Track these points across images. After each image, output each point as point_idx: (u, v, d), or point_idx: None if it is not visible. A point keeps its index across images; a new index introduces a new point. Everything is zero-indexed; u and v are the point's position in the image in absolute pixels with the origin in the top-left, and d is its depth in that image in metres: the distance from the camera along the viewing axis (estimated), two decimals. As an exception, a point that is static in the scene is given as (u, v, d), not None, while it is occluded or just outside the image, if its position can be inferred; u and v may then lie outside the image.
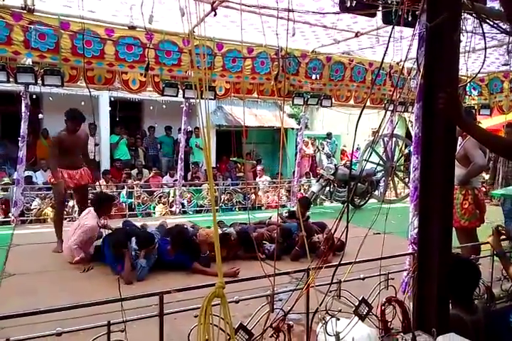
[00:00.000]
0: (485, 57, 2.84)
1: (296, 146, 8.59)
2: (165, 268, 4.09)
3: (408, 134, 8.79)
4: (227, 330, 1.45)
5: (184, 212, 7.69)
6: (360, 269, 2.55)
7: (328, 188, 7.88)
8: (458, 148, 3.90)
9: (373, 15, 3.15)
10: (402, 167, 9.07)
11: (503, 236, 2.89)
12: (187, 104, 6.95)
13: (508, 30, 2.78)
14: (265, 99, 8.00)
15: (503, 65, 6.60)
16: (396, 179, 8.93)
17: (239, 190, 8.60)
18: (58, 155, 4.59)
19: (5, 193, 6.90)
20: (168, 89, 6.01)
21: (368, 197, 8.04)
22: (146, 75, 5.77)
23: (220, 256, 1.36)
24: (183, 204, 7.69)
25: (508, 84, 7.83)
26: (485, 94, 8.30)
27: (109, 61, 5.54)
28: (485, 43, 2.78)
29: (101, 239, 4.35)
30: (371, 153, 7.62)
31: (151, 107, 9.13)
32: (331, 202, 8.36)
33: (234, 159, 10.93)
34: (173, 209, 7.49)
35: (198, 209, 8.06)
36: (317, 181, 8.02)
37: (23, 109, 5.71)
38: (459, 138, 3.92)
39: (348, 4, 2.76)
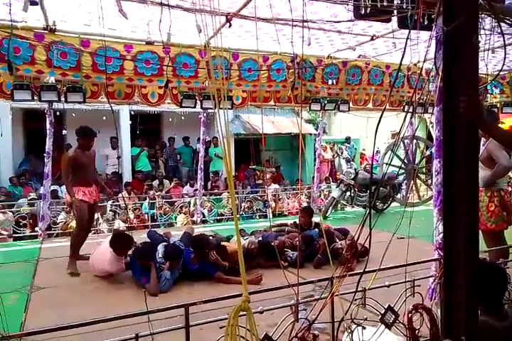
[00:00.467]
0: (505, 55, 2.80)
1: (315, 152, 8.56)
2: (188, 279, 4.13)
3: (429, 135, 8.66)
4: (253, 341, 1.46)
5: (205, 222, 7.74)
6: (385, 275, 2.52)
7: (348, 193, 7.80)
8: (481, 149, 3.83)
9: (388, 20, 3.14)
10: (424, 169, 8.92)
11: None
12: (205, 114, 7.04)
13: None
14: (282, 106, 8.03)
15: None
16: (418, 181, 8.78)
17: (259, 198, 8.61)
18: (74, 174, 4.59)
19: (32, 208, 7.10)
20: (186, 100, 6.11)
21: (390, 201, 7.92)
22: (166, 86, 5.88)
23: (244, 269, 1.37)
24: (203, 213, 7.75)
25: (530, 81, 7.66)
26: (507, 91, 8.12)
27: (129, 76, 5.68)
28: (504, 41, 2.75)
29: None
30: (393, 156, 7.53)
31: (170, 119, 9.28)
32: (352, 207, 8.27)
33: (253, 167, 10.97)
34: (194, 218, 7.55)
35: (218, 218, 8.11)
36: (337, 186, 7.96)
37: (48, 125, 5.89)
38: (482, 138, 3.84)
39: (363, 11, 2.76)
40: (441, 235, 2.67)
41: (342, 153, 12.93)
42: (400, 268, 2.52)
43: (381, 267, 2.36)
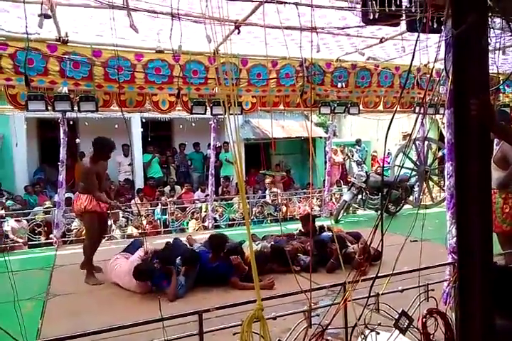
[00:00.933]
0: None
1: (325, 155, 8.53)
2: (204, 284, 4.14)
3: (441, 136, 8.58)
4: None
5: (217, 227, 7.77)
6: (398, 279, 2.50)
7: (360, 196, 7.75)
8: (495, 150, 3.79)
9: (397, 24, 3.13)
10: (436, 170, 8.83)
11: None
12: (215, 120, 7.09)
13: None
14: (292, 111, 8.04)
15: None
16: (431, 183, 8.69)
17: (269, 202, 8.61)
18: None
19: (46, 216, 7.21)
20: (196, 107, 6.16)
21: (402, 204, 7.86)
22: (178, 96, 5.95)
23: (257, 276, 1.38)
24: (215, 218, 7.78)
25: (543, 79, 7.54)
26: (520, 91, 8.02)
27: (140, 84, 5.75)
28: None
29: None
30: (405, 158, 7.48)
31: (181, 126, 9.36)
32: (364, 210, 8.22)
33: (263, 172, 10.98)
34: (205, 224, 7.58)
35: (230, 223, 8.12)
36: (348, 189, 7.92)
37: (62, 135, 6.00)
38: (495, 140, 3.80)
39: (371, 17, 2.76)
40: (454, 239, 2.65)
41: (353, 155, 12.87)
42: (413, 272, 2.51)
43: (394, 271, 2.34)
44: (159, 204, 8.25)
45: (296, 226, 6.24)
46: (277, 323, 2.23)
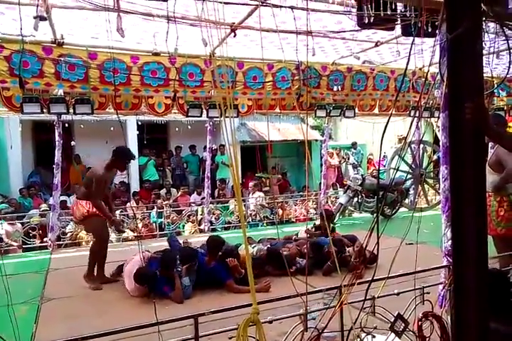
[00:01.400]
0: (510, 58, 2.80)
1: (321, 158, 8.55)
2: (199, 287, 4.13)
3: (436, 139, 8.63)
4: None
5: (213, 230, 7.75)
6: (394, 282, 2.51)
7: (356, 199, 7.78)
8: (490, 153, 3.82)
9: (392, 28, 3.16)
10: (431, 173, 8.87)
11: None
12: (211, 123, 7.09)
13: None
14: (288, 114, 8.05)
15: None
16: (426, 186, 8.73)
17: (266, 205, 8.60)
18: (95, 190, 4.40)
19: (41, 219, 7.16)
20: (192, 110, 6.16)
21: (398, 207, 7.88)
22: (173, 99, 5.94)
23: (253, 279, 1.38)
24: (211, 221, 7.76)
25: (538, 83, 7.61)
26: (514, 94, 8.07)
27: (136, 87, 5.74)
28: (508, 45, 2.75)
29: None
30: (400, 161, 7.50)
31: (177, 128, 9.36)
32: (360, 213, 8.24)
33: (259, 175, 10.98)
34: (201, 227, 7.56)
35: (226, 225, 8.11)
36: (344, 192, 7.94)
37: (57, 137, 5.96)
38: (490, 143, 3.83)
39: (366, 21, 2.78)
40: (450, 241, 2.66)
41: (349, 158, 12.91)
42: (409, 275, 2.51)
43: (390, 275, 2.35)
44: (155, 207, 8.22)
45: (293, 229, 6.26)
46: (273, 327, 2.23)
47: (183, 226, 7.92)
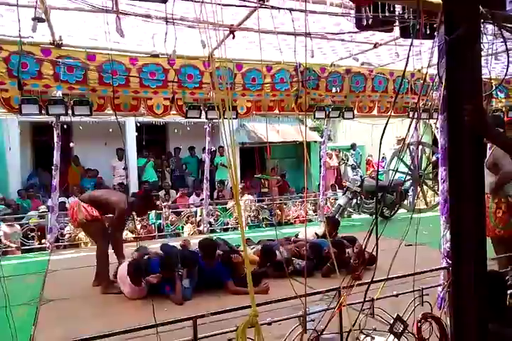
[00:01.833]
0: (508, 60, 2.81)
1: (320, 159, 8.56)
2: (198, 289, 4.12)
3: (435, 141, 8.64)
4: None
5: (212, 231, 7.74)
6: (393, 284, 2.51)
7: (355, 200, 7.78)
8: (487, 155, 3.82)
9: (391, 30, 3.16)
10: (430, 175, 8.88)
11: None
12: (210, 124, 7.10)
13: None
14: (287, 115, 8.06)
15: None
16: (425, 187, 8.73)
17: (265, 207, 8.60)
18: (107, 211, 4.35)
19: (40, 220, 7.15)
20: (191, 111, 6.16)
21: (397, 208, 7.89)
22: (172, 101, 5.95)
23: (252, 283, 1.38)
24: (210, 223, 7.76)
25: (536, 85, 7.64)
26: (512, 95, 8.10)
27: (134, 88, 5.75)
28: (506, 47, 2.76)
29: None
30: (399, 163, 7.51)
31: (176, 130, 9.36)
32: (359, 214, 8.24)
33: (258, 176, 10.98)
34: (200, 228, 7.56)
35: (225, 227, 8.10)
36: (343, 194, 7.94)
37: (55, 139, 5.95)
38: (488, 144, 3.83)
39: (365, 23, 2.79)
40: (449, 243, 2.66)
41: (348, 160, 12.91)
42: (408, 277, 2.51)
43: (389, 276, 2.35)
44: (154, 208, 8.20)
45: (292, 231, 6.26)
46: (272, 328, 2.23)
47: (182, 227, 7.92)
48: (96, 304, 3.93)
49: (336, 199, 9.02)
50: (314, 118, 7.90)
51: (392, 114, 7.79)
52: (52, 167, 6.04)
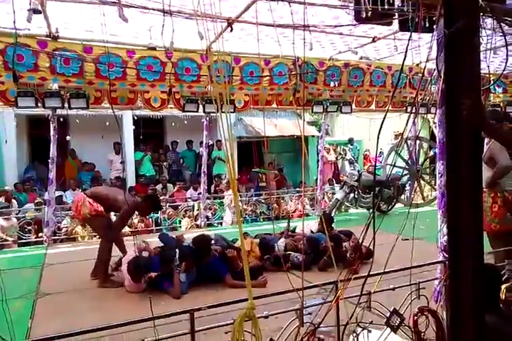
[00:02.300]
0: (507, 55, 2.80)
1: (318, 154, 8.55)
2: (196, 283, 4.13)
3: (433, 135, 8.65)
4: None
5: (209, 225, 7.75)
6: (390, 278, 2.52)
7: (352, 195, 7.80)
8: (484, 149, 3.82)
9: (390, 23, 3.14)
10: (427, 169, 8.91)
11: None
12: (207, 118, 7.06)
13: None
14: (284, 109, 8.03)
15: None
16: (422, 182, 8.76)
17: (262, 201, 8.60)
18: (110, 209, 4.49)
19: (37, 214, 7.13)
20: (188, 105, 6.12)
21: (394, 202, 7.91)
22: (169, 93, 5.91)
23: (249, 276, 1.38)
24: (207, 217, 7.76)
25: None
26: (510, 91, 8.10)
27: (131, 81, 5.70)
28: (505, 42, 2.75)
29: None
30: (396, 158, 7.52)
31: (173, 123, 9.32)
32: (357, 209, 8.27)
33: (256, 170, 10.96)
34: (198, 222, 7.56)
35: (222, 221, 8.11)
36: (341, 188, 7.96)
37: (52, 132, 5.93)
38: (485, 138, 3.83)
39: (364, 15, 2.77)
40: (445, 237, 2.66)
41: (346, 154, 12.92)
42: (405, 270, 2.52)
43: (386, 270, 2.36)
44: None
45: (290, 225, 6.25)
46: (269, 322, 2.23)
47: (180, 221, 7.92)
48: (93, 298, 3.94)
49: (333, 193, 9.04)
50: (312, 112, 7.88)
51: (390, 108, 7.78)
52: (49, 160, 6.02)
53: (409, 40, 2.30)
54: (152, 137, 11.31)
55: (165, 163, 10.99)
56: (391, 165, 5.11)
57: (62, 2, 4.18)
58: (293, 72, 6.65)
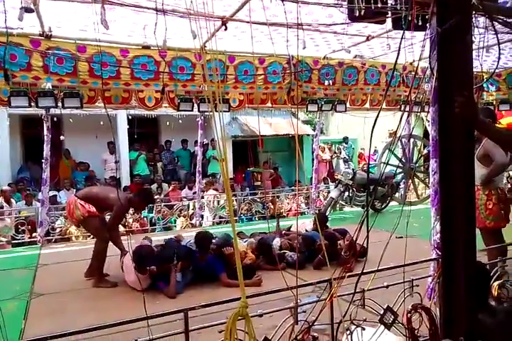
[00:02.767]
0: (499, 53, 2.82)
1: (313, 152, 8.56)
2: (193, 282, 4.13)
3: (426, 134, 8.68)
4: (252, 345, 1.46)
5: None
6: (383, 275, 2.53)
7: (347, 193, 7.82)
8: (479, 147, 3.84)
9: (383, 22, 3.15)
10: (422, 167, 8.95)
11: None
12: (202, 117, 7.05)
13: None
14: (279, 108, 8.03)
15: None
16: (416, 180, 8.80)
17: (257, 200, 8.61)
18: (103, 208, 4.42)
19: (30, 214, 7.09)
20: (183, 104, 6.10)
21: (388, 200, 7.94)
22: (162, 92, 5.89)
23: (242, 274, 1.38)
24: (202, 216, 7.75)
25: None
26: (503, 89, 8.14)
27: (125, 81, 5.68)
28: (497, 40, 2.76)
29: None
30: (390, 156, 7.54)
31: (168, 122, 9.29)
32: (351, 207, 8.29)
33: (250, 169, 10.96)
34: (193, 221, 7.55)
35: (217, 220, 8.10)
36: (335, 186, 7.98)
37: (45, 131, 5.89)
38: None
39: (357, 14, 2.77)
40: (439, 235, 2.68)
41: (340, 153, 12.95)
42: (398, 268, 2.54)
43: (380, 267, 2.37)
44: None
45: (285, 224, 6.26)
46: (264, 320, 2.24)
47: (175, 220, 7.91)
48: (87, 298, 3.92)
49: (328, 192, 9.05)
50: (307, 111, 7.89)
51: (385, 107, 7.81)
52: (43, 160, 5.98)
53: (402, 38, 2.30)
54: (147, 136, 11.29)
55: (160, 163, 10.97)
56: (385, 163, 5.16)
57: (55, 1, 4.15)
58: (287, 71, 6.66)
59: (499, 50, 3.02)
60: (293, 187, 10.03)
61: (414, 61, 6.31)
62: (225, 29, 4.81)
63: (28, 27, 4.87)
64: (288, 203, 9.12)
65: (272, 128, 11.29)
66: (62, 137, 7.37)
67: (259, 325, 2.29)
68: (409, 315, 2.31)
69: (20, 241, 6.64)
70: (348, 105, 7.55)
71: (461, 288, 2.15)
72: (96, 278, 4.25)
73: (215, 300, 2.20)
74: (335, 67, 7.06)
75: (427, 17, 2.77)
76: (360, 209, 7.89)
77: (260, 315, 2.15)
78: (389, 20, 3.21)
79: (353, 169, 8.53)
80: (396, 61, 2.34)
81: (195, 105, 6.25)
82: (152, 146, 11.50)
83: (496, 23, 2.80)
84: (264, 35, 5.29)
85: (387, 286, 2.51)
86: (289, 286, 2.13)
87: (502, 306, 2.52)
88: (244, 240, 4.97)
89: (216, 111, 1.80)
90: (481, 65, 3.83)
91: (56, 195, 8.31)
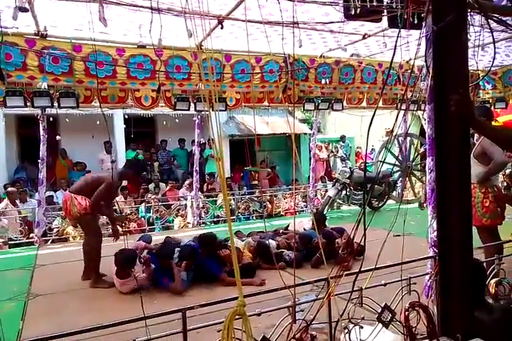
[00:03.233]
0: (494, 51, 2.82)
1: (310, 151, 8.57)
2: (192, 282, 4.12)
3: (423, 132, 8.70)
4: (250, 344, 1.46)
5: (202, 224, 7.73)
6: (381, 273, 2.53)
7: (344, 192, 7.83)
8: (475, 145, 3.85)
9: (379, 20, 3.14)
10: (418, 166, 8.97)
11: None
12: (199, 116, 7.03)
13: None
14: (276, 107, 8.03)
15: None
16: (413, 178, 8.82)
17: (255, 199, 8.61)
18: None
19: (28, 214, 7.06)
20: (180, 103, 6.09)
21: (385, 199, 7.96)
22: (158, 91, 5.87)
23: (239, 274, 1.38)
24: (200, 215, 7.74)
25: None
26: (499, 87, 8.16)
27: (122, 80, 5.65)
28: (493, 38, 2.76)
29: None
30: (387, 154, 7.55)
31: (164, 122, 9.28)
32: (349, 206, 8.31)
33: (248, 168, 10.95)
34: (190, 221, 7.54)
35: (215, 220, 8.10)
36: (333, 185, 7.99)
37: (41, 131, 5.87)
38: (475, 134, 3.86)
39: (353, 12, 2.77)
40: (435, 232, 2.68)
41: (337, 151, 12.96)
42: (396, 266, 2.54)
43: (377, 266, 2.37)
44: (143, 201, 8.17)
45: (282, 223, 6.28)
46: (262, 319, 2.24)
47: (172, 220, 7.89)
48: (85, 298, 3.91)
49: (325, 190, 9.06)
50: (304, 110, 7.89)
51: (381, 105, 7.82)
52: (39, 160, 5.96)
53: (397, 36, 2.30)
54: (144, 136, 11.26)
55: (156, 163, 10.95)
56: (382, 161, 5.19)
57: (51, 0, 4.13)
58: (283, 70, 6.65)
59: (494, 48, 3.03)
60: (290, 186, 10.03)
61: (410, 59, 6.33)
62: (222, 28, 4.80)
63: (23, 26, 4.84)
64: (286, 202, 9.13)
65: (269, 127, 11.29)
66: (58, 137, 7.35)
67: (258, 324, 2.30)
68: (406, 313, 2.32)
69: (17, 241, 6.62)
70: (344, 104, 7.57)
71: (458, 286, 2.16)
72: (92, 278, 4.24)
73: (213, 299, 2.20)
74: (331, 66, 7.06)
75: (422, 15, 2.77)
76: (358, 208, 7.91)
77: (258, 314, 2.15)
78: (385, 19, 3.21)
79: (350, 168, 8.54)
80: (392, 59, 2.34)
81: (192, 104, 6.25)
82: (149, 146, 11.48)
83: (492, 21, 2.80)
84: (260, 31, 5.28)
85: (384, 284, 2.51)
86: (287, 285, 2.13)
87: (499, 304, 2.53)
88: (242, 239, 4.97)
89: (213, 110, 1.80)
90: (477, 63, 3.84)
91: (53, 196, 8.28)
